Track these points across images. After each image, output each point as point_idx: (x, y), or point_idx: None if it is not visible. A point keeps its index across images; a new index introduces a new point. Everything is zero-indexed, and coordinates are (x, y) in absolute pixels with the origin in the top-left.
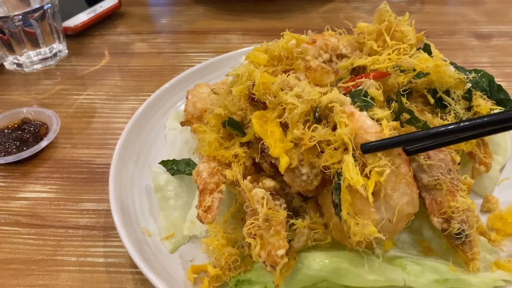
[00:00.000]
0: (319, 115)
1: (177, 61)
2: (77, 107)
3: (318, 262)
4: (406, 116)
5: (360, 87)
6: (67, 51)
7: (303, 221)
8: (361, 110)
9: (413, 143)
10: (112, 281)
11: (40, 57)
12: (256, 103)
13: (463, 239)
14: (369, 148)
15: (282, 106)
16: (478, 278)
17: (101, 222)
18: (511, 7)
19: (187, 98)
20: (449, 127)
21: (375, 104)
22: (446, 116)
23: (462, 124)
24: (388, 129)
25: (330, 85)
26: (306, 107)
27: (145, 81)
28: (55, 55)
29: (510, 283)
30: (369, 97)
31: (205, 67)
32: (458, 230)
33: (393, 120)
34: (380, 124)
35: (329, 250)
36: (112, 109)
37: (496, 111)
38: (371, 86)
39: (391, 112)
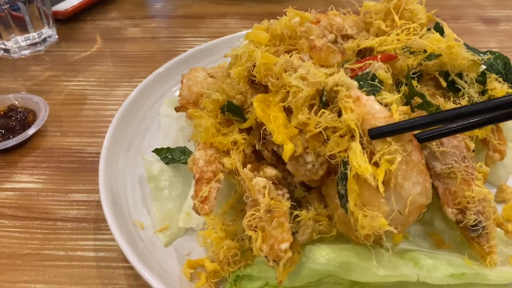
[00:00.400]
0: (326, 99)
1: (172, 46)
2: (67, 94)
3: (324, 256)
4: (417, 100)
5: (367, 70)
6: (57, 36)
7: (307, 213)
8: (368, 94)
9: (425, 127)
10: (102, 277)
11: (28, 42)
12: (257, 86)
13: (479, 231)
14: (377, 133)
15: (285, 89)
16: (496, 273)
17: (92, 214)
18: None
19: (182, 82)
20: (463, 109)
21: (383, 88)
22: (459, 100)
23: (476, 106)
24: (398, 114)
25: (337, 66)
26: (311, 91)
27: (138, 67)
28: (44, 40)
29: None
30: (377, 80)
31: (202, 50)
32: (474, 221)
33: (403, 105)
34: (389, 109)
35: (335, 243)
36: (103, 96)
37: None
38: (379, 69)
39: (400, 96)
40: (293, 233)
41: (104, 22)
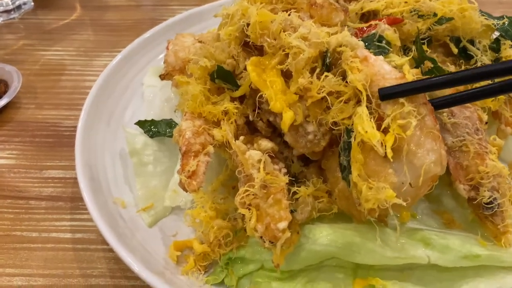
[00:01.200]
0: (330, 62)
1: (157, 15)
2: (43, 64)
3: (325, 236)
4: (428, 65)
5: (373, 32)
6: (32, 3)
7: (306, 189)
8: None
9: (442, 87)
10: (80, 260)
11: (1, 9)
12: (250, 49)
13: (494, 209)
14: (389, 94)
15: (284, 51)
16: None
17: (68, 192)
18: None
19: (167, 48)
20: (483, 69)
21: (391, 50)
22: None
23: (497, 65)
24: (411, 75)
25: (340, 26)
26: (314, 52)
27: (120, 36)
28: (18, 7)
29: None
30: (384, 42)
31: (190, 16)
32: (488, 199)
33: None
34: (401, 70)
35: (337, 222)
36: (83, 66)
37: None
38: (386, 30)
39: (409, 60)
40: (291, 212)
41: None
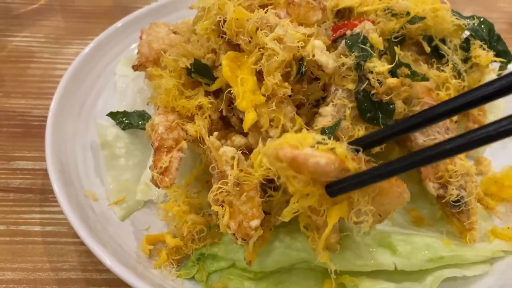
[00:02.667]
0: (305, 70)
1: (131, 2)
2: (10, 50)
3: (300, 241)
4: (404, 71)
5: (358, 31)
6: None
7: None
8: (358, 63)
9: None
10: (50, 253)
11: None
12: (233, 42)
13: (461, 207)
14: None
15: (260, 49)
16: (475, 251)
17: (38, 184)
18: None
19: (141, 38)
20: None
21: (374, 54)
22: (443, 68)
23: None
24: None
25: (317, 25)
26: (288, 56)
27: (92, 23)
28: None
29: (510, 253)
30: (368, 44)
31: (165, 5)
32: (456, 197)
33: (389, 72)
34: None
35: None
36: (53, 54)
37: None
38: (370, 30)
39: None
40: (266, 213)
41: None
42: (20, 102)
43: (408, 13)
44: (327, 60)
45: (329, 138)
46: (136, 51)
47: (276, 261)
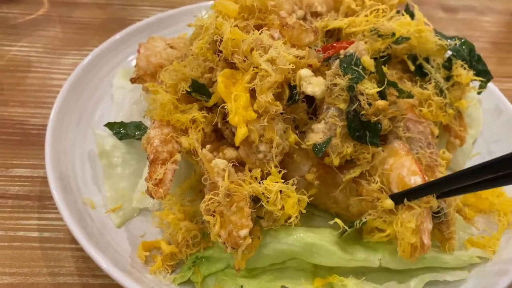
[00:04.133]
0: (298, 96)
1: (126, 14)
2: (9, 59)
3: (289, 236)
4: (393, 92)
5: (351, 52)
6: None
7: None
8: (351, 85)
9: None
10: (48, 259)
11: None
12: (229, 61)
13: (441, 218)
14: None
15: (254, 68)
16: (453, 257)
17: (36, 191)
18: None
19: (139, 51)
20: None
21: (366, 76)
22: (426, 85)
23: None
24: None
25: (309, 47)
26: (280, 77)
27: (89, 35)
28: None
29: (485, 260)
30: (360, 66)
31: (161, 20)
32: (437, 208)
33: (377, 93)
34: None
35: (302, 226)
36: (50, 63)
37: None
38: (363, 52)
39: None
40: (258, 217)
41: None
42: (19, 111)
43: (393, 34)
44: (313, 89)
45: (320, 155)
46: (133, 63)
47: (268, 256)
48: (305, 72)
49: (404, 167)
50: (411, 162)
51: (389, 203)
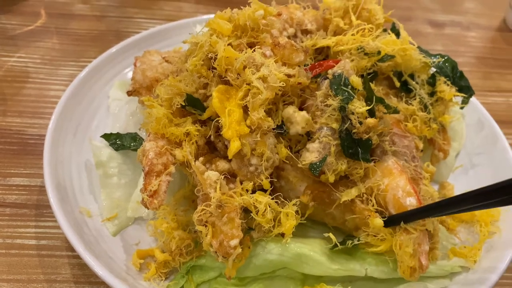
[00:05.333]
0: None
1: (122, 27)
2: (6, 70)
3: (279, 247)
4: (382, 109)
5: (339, 72)
6: None
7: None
8: (342, 106)
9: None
10: (45, 266)
11: None
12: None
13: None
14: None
15: (247, 84)
16: (437, 266)
17: (33, 200)
18: None
19: (135, 65)
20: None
21: (355, 96)
22: (410, 101)
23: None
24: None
25: (299, 66)
26: (271, 95)
27: (86, 46)
28: None
29: (466, 269)
30: (349, 86)
31: (157, 33)
32: None
33: (367, 111)
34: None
35: (293, 237)
36: (47, 74)
37: (458, 98)
38: (351, 72)
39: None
40: (249, 229)
41: None
42: (16, 121)
43: (379, 52)
44: (297, 129)
45: (317, 173)
46: (129, 75)
47: (259, 266)
48: (287, 112)
49: (399, 188)
50: (406, 183)
51: (378, 222)
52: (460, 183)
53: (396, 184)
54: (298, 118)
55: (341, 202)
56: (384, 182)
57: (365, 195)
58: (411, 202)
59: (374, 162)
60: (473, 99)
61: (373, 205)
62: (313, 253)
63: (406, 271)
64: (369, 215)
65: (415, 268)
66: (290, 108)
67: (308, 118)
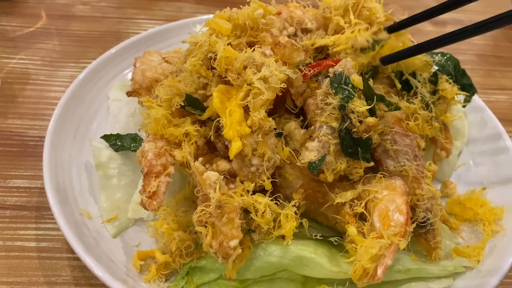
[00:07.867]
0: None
1: (123, 28)
2: (7, 72)
3: (280, 249)
4: (383, 107)
5: (340, 71)
6: None
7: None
8: (342, 104)
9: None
10: (45, 268)
11: None
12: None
13: (427, 228)
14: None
15: (248, 84)
16: (439, 266)
17: (33, 202)
18: None
19: (135, 65)
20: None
21: (355, 94)
22: (412, 100)
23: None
24: None
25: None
26: (272, 95)
27: (86, 47)
28: None
29: (470, 269)
30: (350, 85)
31: (156, 34)
32: (423, 218)
33: (367, 110)
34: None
35: (293, 239)
36: (48, 76)
37: (460, 97)
38: (352, 70)
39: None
40: (249, 231)
41: None
42: (17, 123)
43: (373, 46)
44: (295, 146)
45: (316, 172)
46: (129, 76)
47: (259, 268)
48: (288, 127)
49: (394, 203)
50: (403, 202)
51: (352, 230)
52: (463, 182)
53: (393, 199)
54: (298, 137)
55: (334, 203)
56: (382, 193)
57: (355, 200)
58: (398, 219)
59: (383, 176)
60: (475, 97)
61: (356, 211)
62: (314, 256)
63: (358, 271)
64: (348, 222)
65: (368, 272)
66: (291, 124)
67: (307, 137)
